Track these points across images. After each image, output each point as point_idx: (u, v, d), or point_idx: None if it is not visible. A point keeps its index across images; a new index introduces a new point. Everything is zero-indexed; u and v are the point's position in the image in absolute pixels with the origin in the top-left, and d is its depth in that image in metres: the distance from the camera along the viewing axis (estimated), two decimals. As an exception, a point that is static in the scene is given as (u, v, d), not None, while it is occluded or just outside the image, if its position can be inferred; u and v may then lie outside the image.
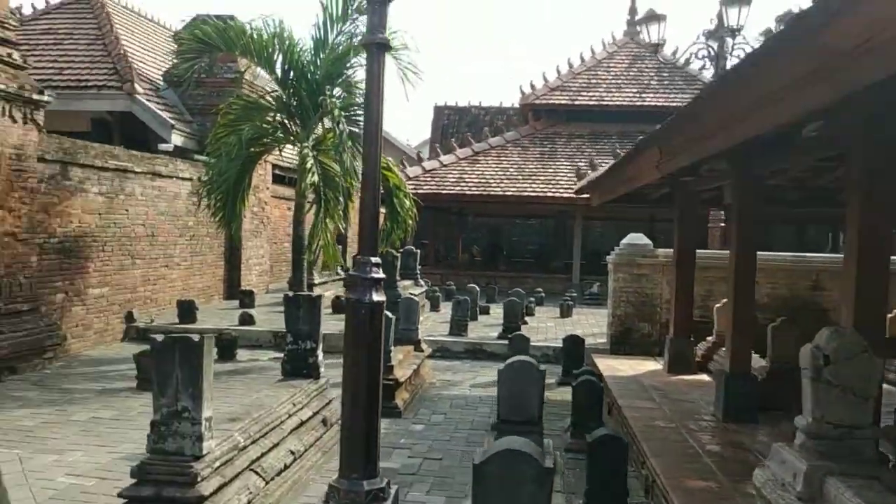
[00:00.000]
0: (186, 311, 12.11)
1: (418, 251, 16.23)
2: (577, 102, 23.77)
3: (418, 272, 16.97)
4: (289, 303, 7.09)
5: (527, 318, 14.92)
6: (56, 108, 10.30)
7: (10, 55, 8.94)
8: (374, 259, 4.51)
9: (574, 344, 10.12)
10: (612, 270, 11.45)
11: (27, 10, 16.96)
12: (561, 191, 20.60)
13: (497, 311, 16.06)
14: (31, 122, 9.21)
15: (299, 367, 7.03)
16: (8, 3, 9.26)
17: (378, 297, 4.49)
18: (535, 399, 6.34)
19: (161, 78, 15.70)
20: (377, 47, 4.51)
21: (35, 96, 9.16)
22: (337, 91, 11.14)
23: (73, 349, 10.33)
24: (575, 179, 19.42)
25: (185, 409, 4.50)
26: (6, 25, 9.08)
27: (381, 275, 4.55)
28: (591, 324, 14.91)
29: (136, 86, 14.11)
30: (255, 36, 10.52)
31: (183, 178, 13.48)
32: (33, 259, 9.39)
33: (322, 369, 7.19)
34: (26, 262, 9.23)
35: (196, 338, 4.51)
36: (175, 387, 4.50)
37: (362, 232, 4.56)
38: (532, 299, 16.87)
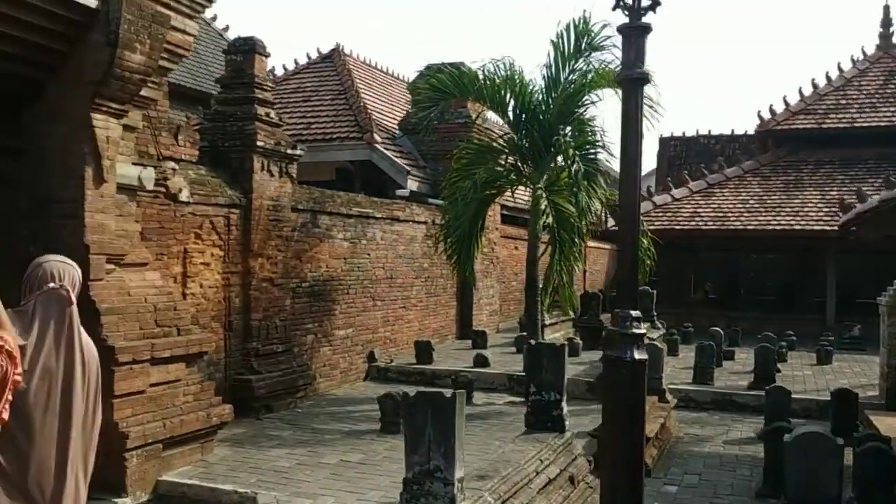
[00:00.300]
0: (423, 351, 12.33)
1: (654, 291, 15.40)
2: (824, 126, 21.69)
3: (654, 314, 16.12)
4: (531, 352, 6.84)
5: (779, 366, 13.55)
6: (305, 160, 11.03)
7: (267, 114, 9.66)
8: (633, 313, 4.10)
9: (845, 399, 8.91)
10: (885, 313, 10.03)
11: (279, 72, 18.60)
12: (811, 223, 18.76)
13: (742, 356, 14.79)
14: (286, 175, 9.86)
15: (543, 419, 6.73)
16: (265, 67, 10.04)
17: (640, 354, 4.08)
18: (835, 478, 5.50)
19: (397, 127, 16.44)
20: (635, 82, 4.14)
21: (289, 151, 9.80)
22: (568, 129, 10.89)
23: (321, 388, 10.83)
24: (826, 210, 17.60)
25: (437, 468, 4.34)
26: (264, 87, 9.84)
27: (641, 330, 4.13)
28: (856, 373, 13.23)
29: (375, 136, 14.85)
30: (487, 81, 10.58)
31: (418, 222, 13.88)
32: (287, 303, 9.99)
33: (567, 422, 6.83)
34: (281, 305, 9.83)
35: (448, 393, 4.36)
36: (427, 444, 4.37)
37: (620, 282, 4.18)
38: (783, 343, 15.35)
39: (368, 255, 12.19)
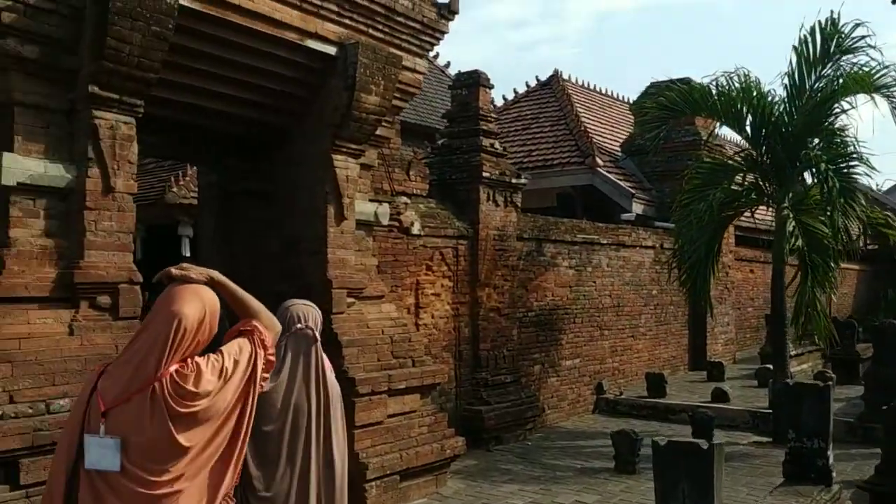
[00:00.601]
0: (655, 383, 11.68)
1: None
2: None
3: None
4: (787, 392, 6.13)
5: None
6: (526, 188, 10.92)
7: (492, 145, 9.69)
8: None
9: None
10: None
11: (499, 102, 18.84)
12: None
13: None
14: (511, 204, 9.82)
15: (805, 469, 5.99)
16: (489, 99, 10.11)
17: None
18: None
19: (618, 149, 15.95)
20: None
21: (514, 180, 9.76)
22: (816, 141, 9.85)
23: (549, 420, 10.58)
24: None
25: (693, 526, 3.92)
26: (488, 119, 9.90)
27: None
28: None
29: (597, 159, 14.48)
30: (721, 96, 9.87)
31: (645, 247, 13.28)
32: (514, 332, 9.89)
33: (834, 473, 6.02)
34: (508, 335, 9.75)
35: (704, 445, 3.93)
36: (681, 499, 3.96)
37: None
38: None
39: (594, 282, 11.82)
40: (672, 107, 10.34)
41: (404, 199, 8.27)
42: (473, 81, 9.67)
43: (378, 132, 6.97)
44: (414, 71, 7.19)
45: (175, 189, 12.29)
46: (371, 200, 7.34)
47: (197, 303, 2.32)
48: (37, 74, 4.83)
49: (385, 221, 7.46)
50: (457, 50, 61.93)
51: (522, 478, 7.83)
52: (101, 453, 2.19)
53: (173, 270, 2.41)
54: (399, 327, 7.24)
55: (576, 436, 10.02)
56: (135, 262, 5.26)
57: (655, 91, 11.75)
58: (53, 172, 4.90)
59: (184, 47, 5.44)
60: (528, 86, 18.49)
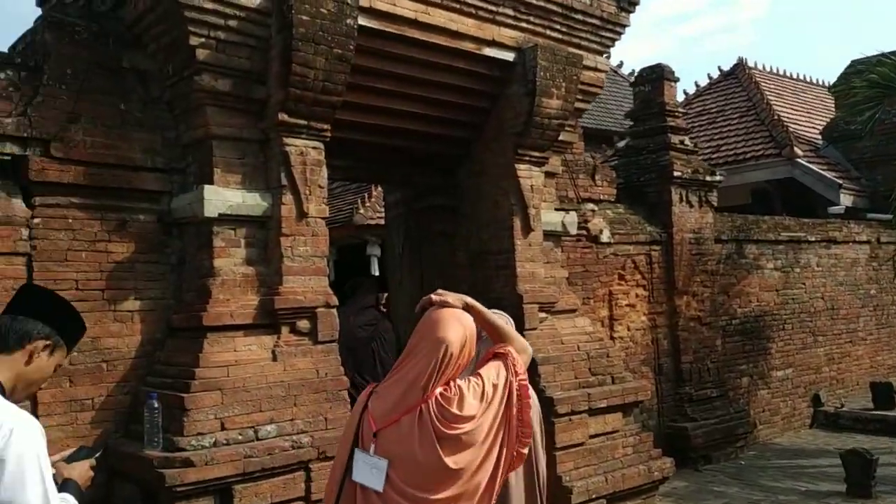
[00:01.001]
0: (882, 394, 10.37)
1: None
2: None
3: None
4: None
5: None
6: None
7: (681, 142, 9.07)
8: None
9: None
10: None
11: (679, 98, 17.86)
12: None
13: None
14: (706, 204, 9.12)
15: None
16: (675, 93, 9.48)
17: None
18: None
19: (818, 137, 14.57)
20: None
21: (707, 178, 9.06)
22: None
23: (762, 437, 9.69)
24: None
25: None
26: (675, 114, 9.29)
27: None
28: None
29: (796, 149, 13.26)
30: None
31: (859, 242, 11.93)
32: (717, 342, 9.15)
33: None
34: (711, 346, 9.03)
35: None
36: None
37: None
38: None
39: (803, 284, 10.74)
40: (888, 83, 9.19)
41: (591, 205, 7.87)
42: (657, 76, 9.11)
43: (561, 137, 6.65)
44: (595, 70, 6.81)
45: (362, 210, 12.61)
46: (557, 209, 7.02)
47: (459, 327, 2.41)
48: (230, 107, 4.95)
49: (573, 231, 7.10)
50: (627, 49, 60.15)
51: (739, 502, 7.14)
52: (369, 471, 2.32)
53: (433, 297, 2.53)
54: (595, 342, 6.84)
55: (794, 454, 9.08)
56: (329, 285, 5.27)
57: (864, 68, 10.51)
58: (251, 202, 5.00)
59: (364, 68, 5.41)
60: (710, 77, 17.41)
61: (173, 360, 4.79)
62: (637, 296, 8.40)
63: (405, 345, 2.49)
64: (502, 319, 3.40)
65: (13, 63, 4.70)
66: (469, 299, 2.57)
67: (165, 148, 5.09)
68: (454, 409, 2.31)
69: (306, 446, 4.66)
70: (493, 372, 2.44)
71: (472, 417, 2.31)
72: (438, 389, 2.34)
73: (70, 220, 4.68)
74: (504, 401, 2.40)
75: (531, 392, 3.43)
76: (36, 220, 4.56)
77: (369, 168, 6.66)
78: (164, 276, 5.05)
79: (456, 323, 2.41)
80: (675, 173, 8.69)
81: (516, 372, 2.46)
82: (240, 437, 4.50)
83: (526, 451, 2.49)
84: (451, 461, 2.26)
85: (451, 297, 2.53)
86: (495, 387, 2.40)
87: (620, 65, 21.09)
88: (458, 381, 2.38)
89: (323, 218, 5.22)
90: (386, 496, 2.29)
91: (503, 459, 2.39)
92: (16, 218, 4.50)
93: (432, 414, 2.29)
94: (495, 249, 6.56)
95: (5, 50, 5.06)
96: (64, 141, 4.64)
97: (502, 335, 2.61)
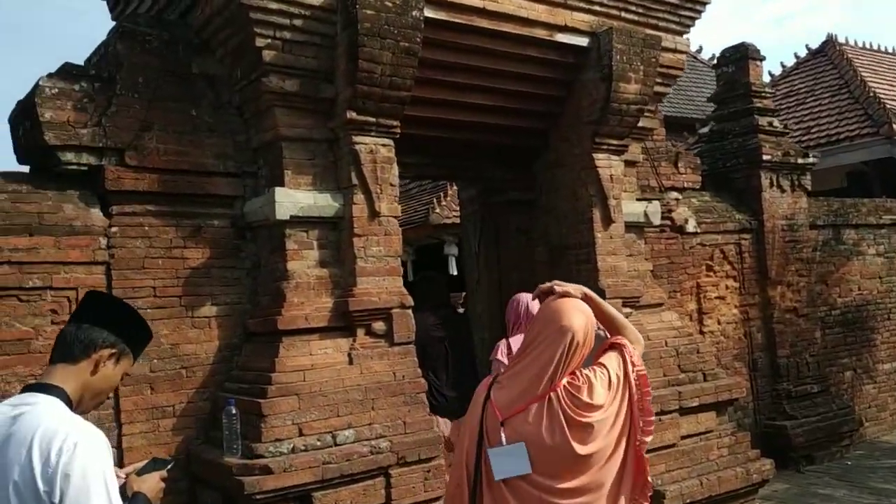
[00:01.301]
0: None
1: None
2: None
3: None
4: None
5: None
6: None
7: (770, 123, 8.59)
8: None
9: None
10: None
11: (765, 79, 17.08)
12: None
13: None
14: (799, 188, 8.61)
15: None
16: (761, 73, 8.99)
17: None
18: None
19: (920, 112, 13.63)
20: None
21: (800, 161, 8.55)
22: None
23: (868, 434, 9.09)
24: None
25: None
26: (762, 95, 8.82)
27: None
28: None
29: (895, 127, 12.44)
30: None
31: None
32: (816, 335, 8.62)
33: None
34: (810, 338, 8.51)
35: None
36: None
37: None
38: None
39: (910, 270, 10.03)
40: None
41: (675, 194, 7.51)
42: (741, 55, 8.64)
43: (640, 124, 6.34)
44: (675, 51, 6.47)
45: (438, 210, 12.51)
46: (639, 199, 6.71)
47: (581, 316, 2.41)
48: (299, 107, 4.88)
49: (656, 221, 6.78)
50: (705, 34, 58.26)
51: (848, 505, 6.68)
52: (509, 461, 2.30)
53: (555, 287, 2.51)
54: (684, 337, 6.50)
55: (906, 453, 8.47)
56: (405, 285, 5.14)
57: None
58: (322, 202, 4.92)
59: (432, 61, 5.26)
60: (796, 57, 16.58)
61: (250, 365, 4.76)
62: (727, 287, 7.98)
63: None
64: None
65: (87, 75, 4.75)
66: (588, 290, 2.57)
67: (237, 152, 5.07)
68: (584, 398, 2.32)
69: (385, 451, 4.54)
70: (614, 362, 2.45)
71: (601, 406, 2.33)
72: (565, 378, 2.36)
73: (146, 228, 4.70)
74: (626, 391, 2.40)
75: None
76: (113, 229, 4.59)
77: (442, 164, 6.50)
78: (240, 280, 5.02)
79: (578, 312, 2.41)
80: (765, 157, 8.22)
81: (633, 363, 2.46)
82: (318, 443, 4.41)
83: (649, 441, 2.46)
84: (582, 448, 2.27)
85: (571, 287, 2.53)
86: (618, 377, 2.41)
87: (700, 50, 20.37)
88: (585, 371, 2.40)
89: (395, 217, 5.10)
90: (513, 485, 2.29)
91: (630, 449, 2.40)
92: (94, 227, 4.54)
93: (562, 402, 2.31)
94: (575, 243, 6.31)
95: (81, 63, 5.15)
96: (138, 149, 4.66)
97: (618, 326, 2.60)
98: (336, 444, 4.47)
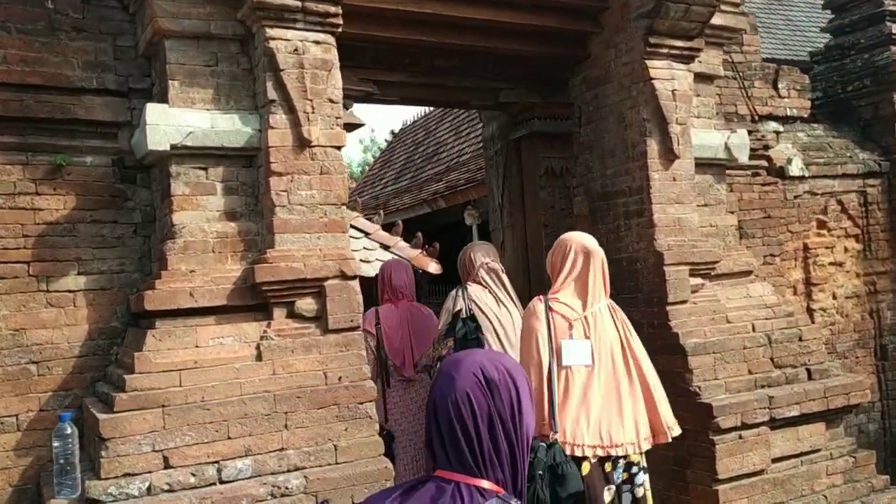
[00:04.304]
0: None
1: None
2: None
3: None
4: None
5: None
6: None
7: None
8: None
9: None
10: None
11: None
12: None
13: None
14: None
15: None
16: (897, -31, 6.79)
17: None
18: None
19: None
20: None
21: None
22: None
23: None
24: None
25: None
26: (899, -2, 6.62)
27: None
28: None
29: None
30: None
31: None
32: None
33: None
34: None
35: None
36: None
37: None
38: None
39: None
40: None
41: (773, 125, 5.57)
42: (869, -59, 6.49)
43: (717, 21, 4.49)
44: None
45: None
46: (718, 129, 4.88)
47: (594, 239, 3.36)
48: (189, -11, 3.37)
49: (744, 158, 4.91)
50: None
51: None
52: (579, 352, 3.04)
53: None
54: (780, 318, 4.66)
55: None
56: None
57: None
58: (225, 126, 3.42)
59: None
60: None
61: (124, 361, 3.34)
62: (846, 250, 5.99)
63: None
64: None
65: None
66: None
67: (120, 62, 3.63)
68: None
69: (297, 492, 3.03)
70: None
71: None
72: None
73: (-21, 166, 3.34)
74: None
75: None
76: (-72, 167, 3.26)
77: (442, 84, 4.82)
78: (123, 240, 3.61)
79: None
80: (902, 75, 6.12)
81: None
82: (192, 480, 2.96)
83: None
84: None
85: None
86: None
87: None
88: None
89: (337, 147, 3.54)
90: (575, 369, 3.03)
91: None
92: None
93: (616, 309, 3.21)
94: (624, 189, 4.57)
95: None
96: (-35, 56, 3.29)
97: None
98: (221, 482, 3.00)
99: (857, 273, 6.04)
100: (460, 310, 3.72)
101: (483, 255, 3.87)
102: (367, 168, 21.04)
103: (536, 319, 3.03)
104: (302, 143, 3.43)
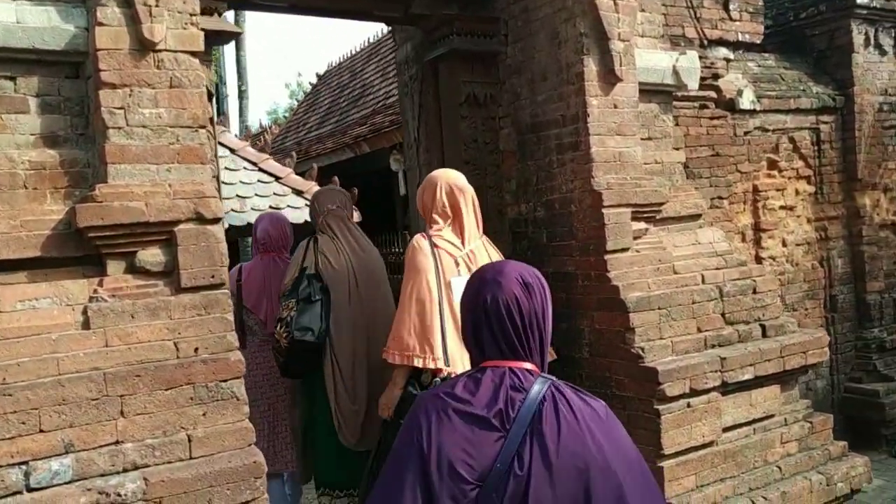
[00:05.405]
0: None
1: None
2: None
3: None
4: None
5: None
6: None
7: (867, -43, 5.85)
8: None
9: None
10: None
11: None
12: None
13: None
14: (906, 50, 5.94)
15: None
16: None
17: None
18: None
19: None
20: None
21: (910, 9, 5.85)
22: None
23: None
24: None
25: None
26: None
27: None
28: None
29: None
30: None
31: None
32: (921, 260, 6.11)
33: None
34: (912, 265, 6.01)
35: None
36: None
37: None
38: None
39: None
40: None
41: (723, 51, 4.97)
42: None
43: (668, -81, 3.82)
44: None
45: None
46: (665, 51, 4.24)
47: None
48: None
49: (694, 85, 4.30)
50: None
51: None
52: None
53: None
54: (732, 268, 4.11)
55: None
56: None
57: None
58: (37, 21, 2.59)
59: None
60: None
61: None
62: (797, 193, 5.49)
63: None
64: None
65: None
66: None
67: None
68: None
69: (132, 500, 2.32)
70: None
71: None
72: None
73: None
74: None
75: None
76: None
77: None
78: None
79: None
80: (859, 1, 5.58)
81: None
82: (-14, 489, 2.21)
83: None
84: None
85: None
86: None
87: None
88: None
89: (193, 52, 2.75)
90: None
91: None
92: None
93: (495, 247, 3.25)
94: (557, 118, 3.90)
95: None
96: None
97: None
98: (29, 489, 2.27)
99: (808, 218, 5.56)
100: (307, 266, 3.25)
101: (327, 202, 3.52)
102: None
103: (424, 256, 2.96)
104: (143, 46, 2.64)
